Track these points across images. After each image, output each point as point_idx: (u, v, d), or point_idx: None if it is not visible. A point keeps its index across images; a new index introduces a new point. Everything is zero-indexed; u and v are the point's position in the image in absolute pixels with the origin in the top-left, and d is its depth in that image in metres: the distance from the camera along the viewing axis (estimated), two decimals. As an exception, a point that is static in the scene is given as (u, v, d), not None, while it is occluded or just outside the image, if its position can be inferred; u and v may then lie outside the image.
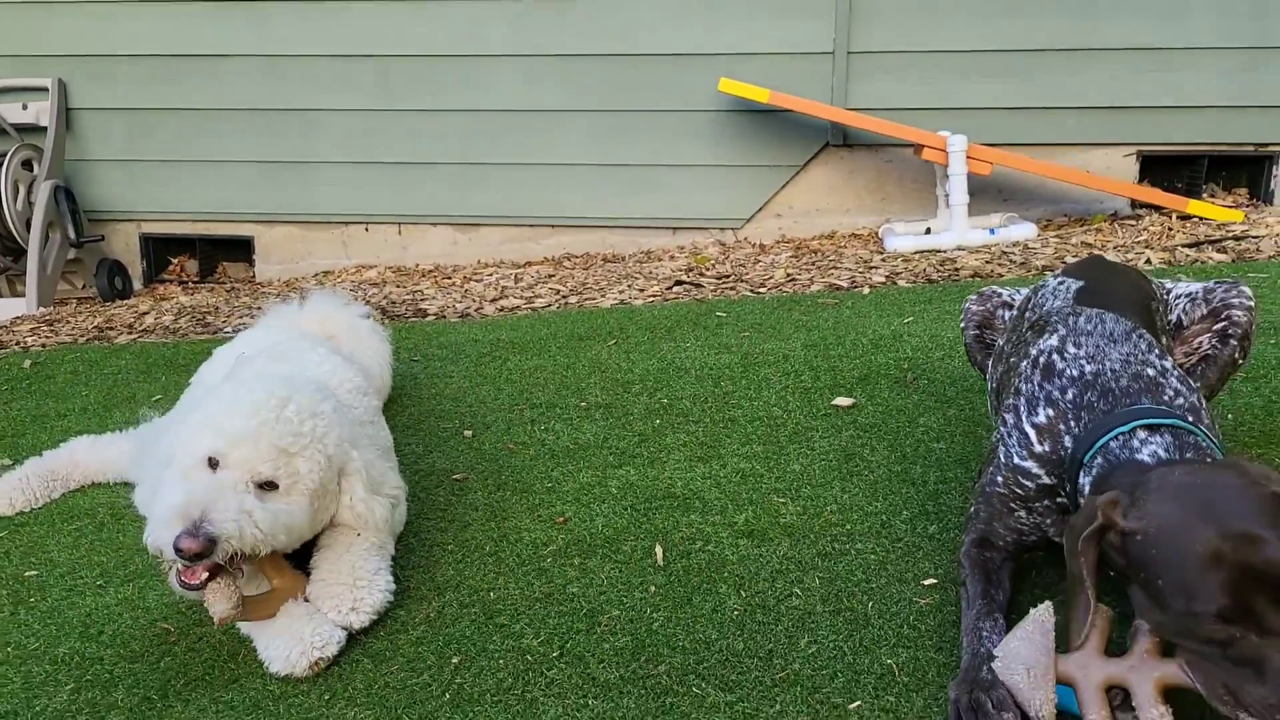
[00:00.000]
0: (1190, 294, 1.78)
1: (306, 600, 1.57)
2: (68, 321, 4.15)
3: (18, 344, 3.85)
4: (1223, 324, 1.72)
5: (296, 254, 4.87)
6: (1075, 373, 1.41)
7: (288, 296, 4.27)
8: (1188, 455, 1.25)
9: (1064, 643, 1.23)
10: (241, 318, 3.96)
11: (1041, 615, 1.23)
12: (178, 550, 1.39)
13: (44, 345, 3.77)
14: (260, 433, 1.49)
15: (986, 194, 4.37)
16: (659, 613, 1.55)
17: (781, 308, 3.21)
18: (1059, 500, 1.41)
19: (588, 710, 1.35)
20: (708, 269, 3.96)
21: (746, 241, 4.51)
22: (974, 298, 1.96)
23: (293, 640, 1.50)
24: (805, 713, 1.29)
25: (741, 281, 3.67)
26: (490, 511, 1.96)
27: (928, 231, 4.12)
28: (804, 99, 4.17)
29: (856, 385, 2.41)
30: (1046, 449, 1.39)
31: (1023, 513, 1.42)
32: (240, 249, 4.98)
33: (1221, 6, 4.13)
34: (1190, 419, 1.31)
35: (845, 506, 1.83)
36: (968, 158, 3.93)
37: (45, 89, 4.66)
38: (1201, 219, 3.90)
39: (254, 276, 4.92)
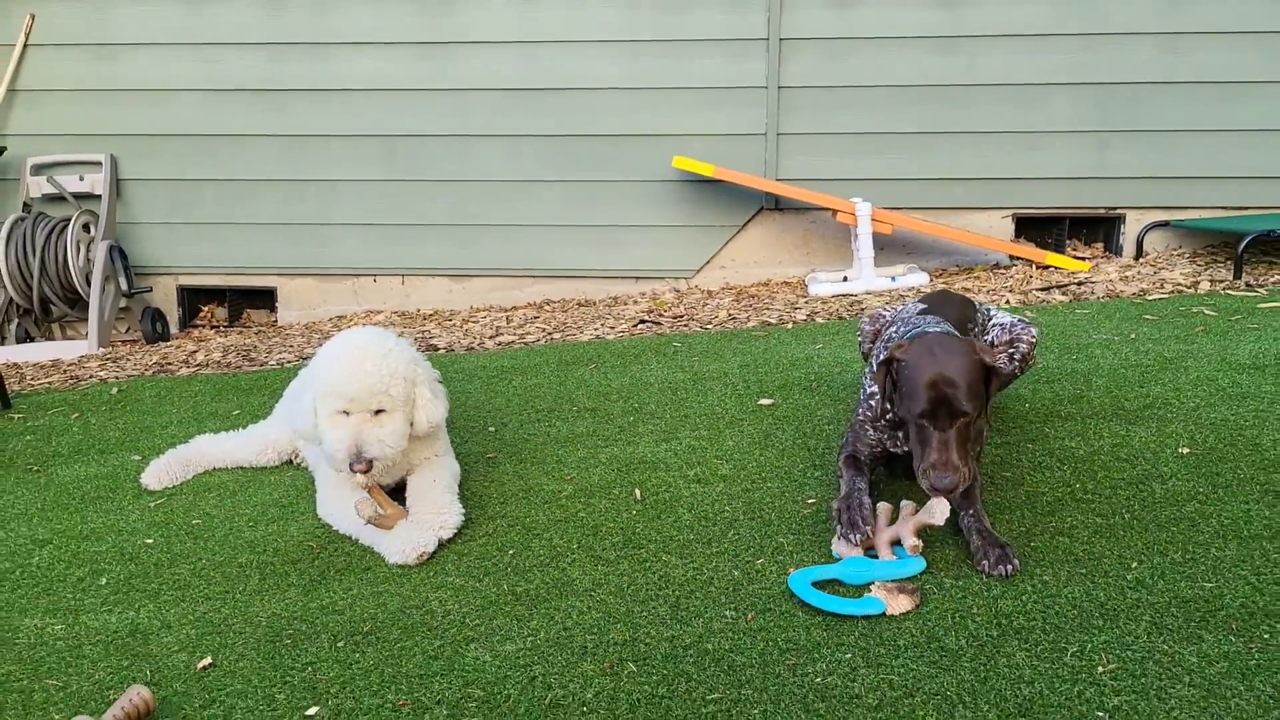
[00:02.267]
0: (1002, 324, 2.67)
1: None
2: (129, 359, 4.93)
3: (91, 377, 4.62)
4: (1014, 349, 2.62)
5: (314, 302, 5.69)
6: (900, 336, 2.31)
7: (312, 337, 5.10)
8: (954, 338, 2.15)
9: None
10: (280, 353, 4.76)
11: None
12: (354, 470, 2.26)
13: (117, 378, 4.54)
14: (361, 388, 2.35)
15: (894, 248, 5.34)
16: (639, 524, 2.41)
17: (724, 339, 4.10)
18: (888, 417, 2.28)
19: (598, 572, 2.20)
20: (665, 311, 4.86)
21: (697, 288, 5.42)
22: (865, 319, 2.84)
23: (404, 541, 2.33)
24: (731, 566, 2.16)
25: (693, 320, 4.57)
26: (517, 475, 2.80)
27: (844, 279, 5.07)
28: (743, 173, 5.13)
29: (777, 391, 3.30)
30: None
31: (872, 431, 2.31)
32: (263, 298, 5.79)
33: (1074, 99, 5.17)
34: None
35: (762, 464, 2.70)
36: (872, 220, 4.90)
37: (99, 163, 5.47)
38: (1057, 269, 4.89)
39: (276, 321, 5.73)
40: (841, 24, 5.18)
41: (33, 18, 5.42)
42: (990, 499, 2.32)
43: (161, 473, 3.03)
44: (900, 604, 1.90)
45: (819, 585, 2.01)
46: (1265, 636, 1.72)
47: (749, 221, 5.41)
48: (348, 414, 2.37)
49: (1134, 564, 1.99)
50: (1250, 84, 5.08)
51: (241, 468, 3.11)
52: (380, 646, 1.98)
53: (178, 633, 2.12)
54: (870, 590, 1.95)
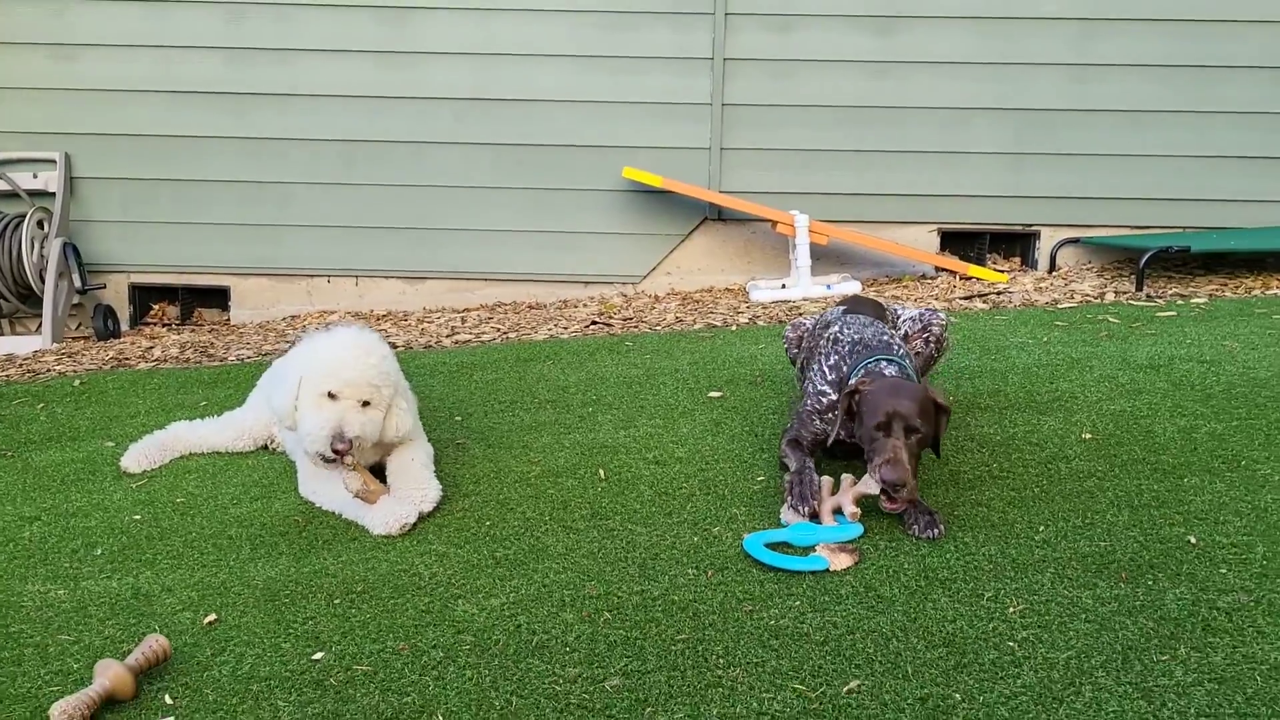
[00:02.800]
0: (912, 317, 2.99)
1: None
2: (85, 354, 4.99)
3: (48, 370, 4.68)
4: (928, 333, 2.93)
5: (267, 301, 5.79)
6: (849, 339, 2.60)
7: (268, 335, 5.21)
8: (908, 380, 2.43)
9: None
10: (238, 350, 4.88)
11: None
12: (335, 451, 2.43)
13: (75, 371, 4.61)
14: (361, 377, 2.54)
15: (829, 258, 5.66)
16: (605, 499, 2.64)
17: (673, 339, 4.36)
18: (835, 412, 2.56)
19: (570, 540, 2.42)
20: (615, 314, 5.10)
21: (644, 293, 5.68)
22: (789, 328, 3.14)
23: (386, 513, 2.52)
24: (690, 533, 2.40)
25: (642, 322, 4.82)
26: (487, 459, 3.01)
27: (783, 287, 5.37)
28: (688, 184, 5.41)
29: (725, 385, 3.56)
30: (834, 378, 2.56)
31: (818, 421, 2.58)
32: (215, 297, 5.87)
33: (994, 124, 5.56)
34: (906, 361, 2.51)
35: (713, 449, 2.95)
36: (810, 232, 5.21)
37: (54, 161, 5.51)
38: (978, 280, 5.26)
39: (229, 320, 5.82)
40: (782, 47, 5.49)
41: (-12, 15, 5.45)
42: (920, 477, 2.59)
43: (140, 456, 3.16)
44: (842, 561, 2.17)
45: (769, 547, 2.26)
46: (1149, 583, 2.02)
47: (693, 231, 5.68)
48: (334, 399, 2.54)
49: (1041, 528, 2.29)
50: (1152, 113, 5.52)
51: (217, 453, 3.25)
52: (374, 603, 2.18)
53: (179, 595, 2.29)
54: (815, 550, 2.21)
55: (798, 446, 2.61)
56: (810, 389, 2.63)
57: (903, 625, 1.93)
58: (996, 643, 1.85)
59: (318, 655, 1.98)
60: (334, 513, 2.67)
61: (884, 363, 2.49)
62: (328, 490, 2.69)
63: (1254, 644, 1.79)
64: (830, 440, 2.45)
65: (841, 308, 2.91)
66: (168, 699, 1.87)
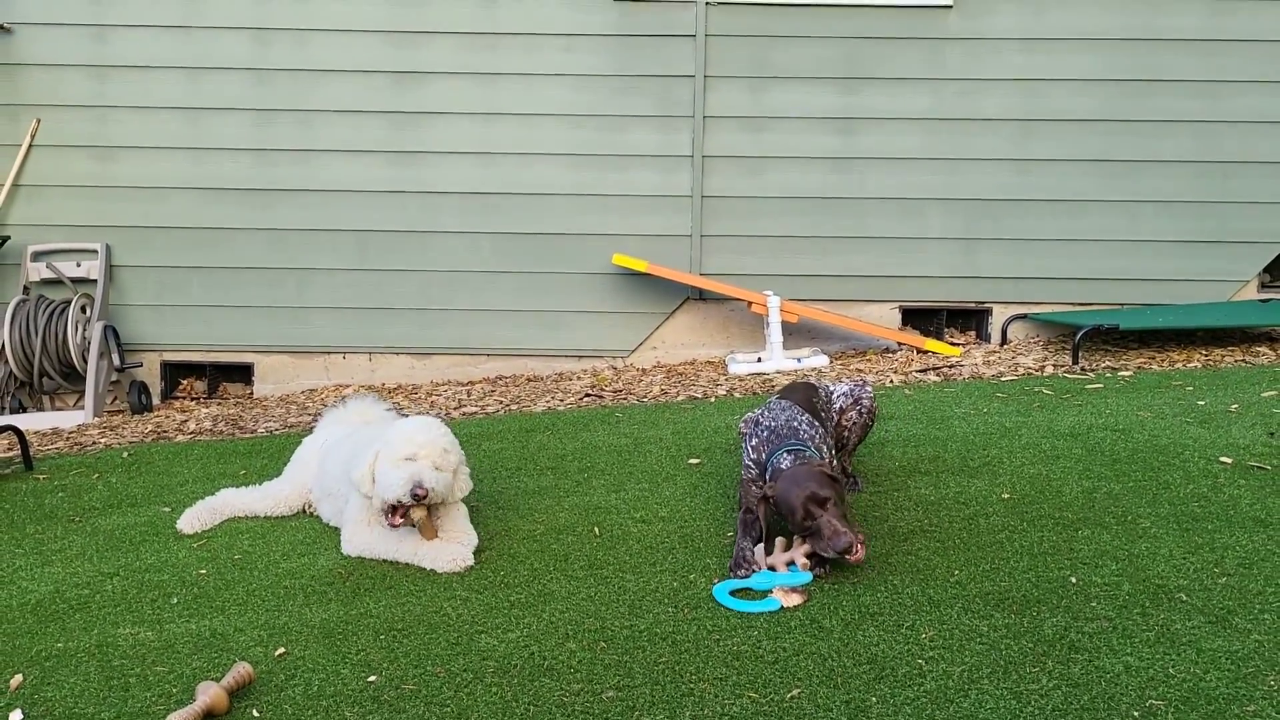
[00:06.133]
0: (844, 392, 3.52)
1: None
2: (125, 427, 5.49)
3: (94, 443, 5.18)
4: (859, 406, 3.47)
5: (288, 376, 6.32)
6: (767, 425, 3.13)
7: (290, 408, 5.71)
8: (799, 462, 2.95)
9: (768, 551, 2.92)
10: (266, 423, 5.39)
11: (760, 554, 2.91)
12: (415, 497, 2.95)
13: (119, 444, 5.11)
14: (435, 442, 3.07)
15: (800, 334, 6.23)
16: (599, 552, 3.14)
17: (658, 410, 4.89)
18: (763, 483, 3.08)
19: (571, 586, 2.92)
20: (606, 386, 5.63)
21: (632, 366, 6.22)
22: (742, 423, 3.66)
23: (451, 554, 3.02)
24: (671, 579, 2.90)
25: (631, 394, 5.35)
26: (497, 519, 3.51)
27: (759, 360, 5.92)
28: (672, 269, 5.99)
29: (702, 453, 4.08)
30: (756, 457, 3.09)
31: (755, 488, 3.10)
32: (239, 372, 6.40)
33: (947, 212, 6.18)
34: (810, 444, 3.04)
35: (691, 509, 3.47)
36: (781, 311, 5.78)
37: (95, 251, 6.07)
38: (934, 353, 5.83)
39: (252, 394, 6.33)
40: (755, 145, 6.13)
41: (38, 122, 6.05)
42: (865, 530, 3.11)
43: (194, 519, 3.66)
44: (793, 600, 2.67)
45: (735, 593, 2.77)
46: (1033, 614, 2.53)
47: (677, 309, 6.25)
48: (412, 461, 3.07)
49: (957, 572, 2.80)
50: (1088, 202, 6.16)
51: (259, 517, 3.75)
52: (413, 638, 2.67)
53: (249, 634, 2.77)
54: (772, 593, 2.72)
55: (744, 525, 3.08)
56: (744, 465, 3.18)
57: (837, 649, 2.43)
58: (909, 660, 2.35)
59: (372, 678, 2.46)
60: (378, 561, 3.16)
61: (783, 455, 3.00)
62: (383, 541, 3.19)
63: (1105, 658, 2.30)
64: (763, 532, 2.94)
65: (778, 394, 3.45)
66: (254, 713, 2.35)
